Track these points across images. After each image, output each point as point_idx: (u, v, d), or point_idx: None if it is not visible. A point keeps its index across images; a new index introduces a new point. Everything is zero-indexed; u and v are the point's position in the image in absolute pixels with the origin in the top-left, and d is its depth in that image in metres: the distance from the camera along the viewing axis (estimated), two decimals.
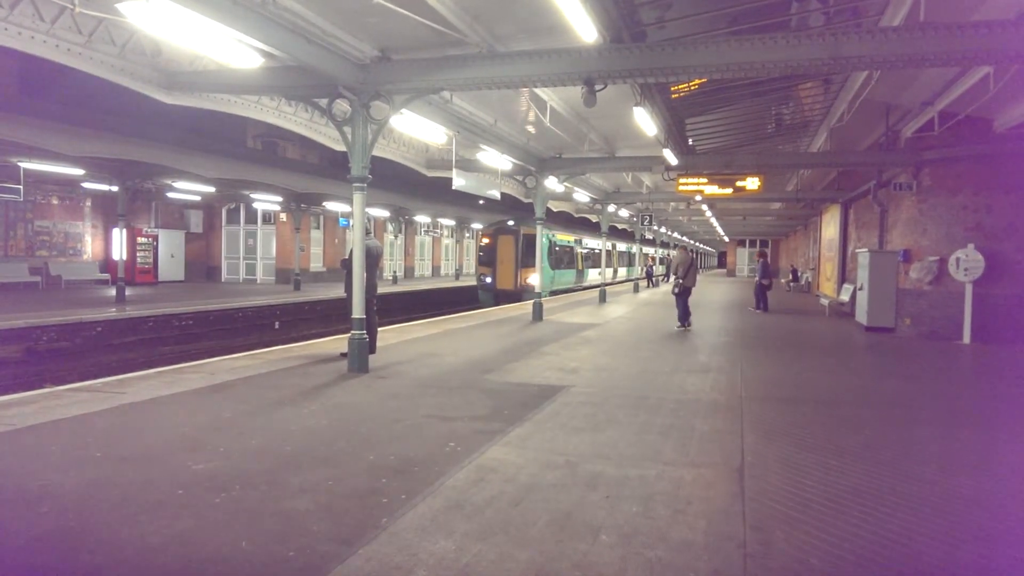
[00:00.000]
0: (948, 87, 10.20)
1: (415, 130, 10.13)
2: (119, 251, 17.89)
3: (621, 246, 40.33)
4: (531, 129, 12.66)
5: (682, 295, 13.37)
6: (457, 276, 38.57)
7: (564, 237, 26.64)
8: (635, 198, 22.04)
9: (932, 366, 10.03)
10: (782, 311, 19.34)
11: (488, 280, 23.74)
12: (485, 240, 24.63)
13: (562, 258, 26.23)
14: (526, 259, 22.70)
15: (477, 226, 37.09)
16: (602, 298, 21.11)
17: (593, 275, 30.97)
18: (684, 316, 13.44)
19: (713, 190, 14.40)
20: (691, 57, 6.49)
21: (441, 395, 6.70)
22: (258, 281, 27.29)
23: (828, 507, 3.86)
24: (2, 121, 11.95)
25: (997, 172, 12.05)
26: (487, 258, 24.03)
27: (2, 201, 18.32)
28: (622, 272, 40.57)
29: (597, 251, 31.93)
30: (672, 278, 13.93)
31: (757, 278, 18.80)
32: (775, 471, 4.52)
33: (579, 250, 29.19)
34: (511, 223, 23.98)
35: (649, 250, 46.01)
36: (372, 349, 8.37)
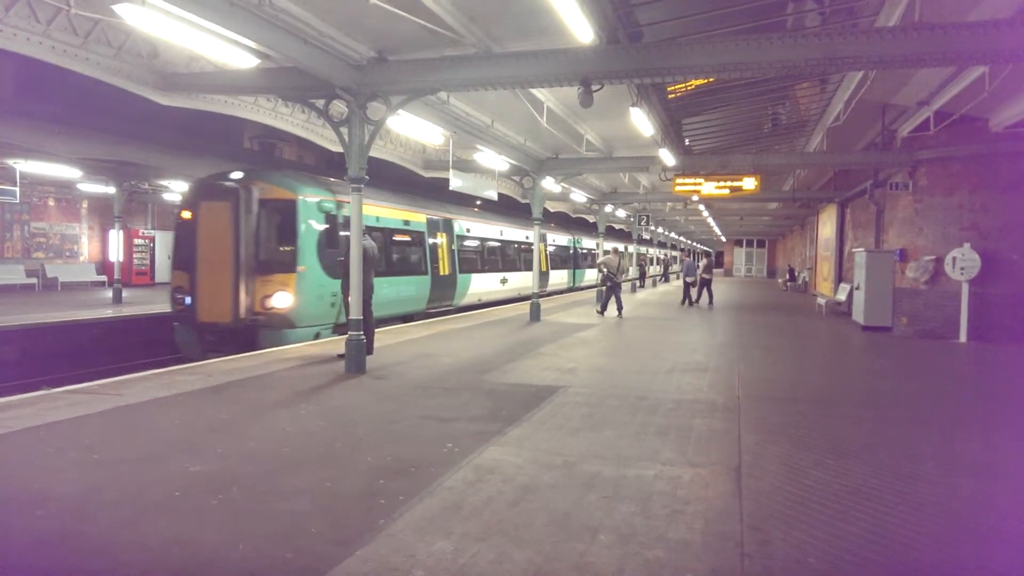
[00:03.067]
0: (944, 87, 10.22)
1: (412, 131, 10.15)
2: (116, 253, 17.87)
3: (559, 239, 25.64)
4: (528, 134, 12.67)
5: (611, 289, 15.95)
6: None
7: (392, 213, 13.75)
8: (632, 198, 22.04)
9: (929, 365, 10.05)
10: (779, 311, 19.39)
11: (188, 301, 10.53)
12: (185, 214, 11.01)
13: (382, 256, 12.53)
14: (269, 254, 10.59)
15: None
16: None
17: (481, 286, 17.53)
18: (605, 306, 16.16)
19: (710, 190, 14.46)
20: (687, 57, 6.51)
21: (439, 396, 6.69)
22: None
23: (826, 506, 3.87)
24: None
25: (993, 171, 12.08)
26: (184, 253, 10.85)
27: None
28: (558, 279, 25.26)
29: (511, 245, 20.37)
30: (601, 276, 16.45)
31: (683, 276, 21.56)
32: (773, 471, 4.52)
33: (441, 242, 15.61)
34: (235, 176, 10.84)
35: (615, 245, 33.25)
36: (369, 350, 8.36)
